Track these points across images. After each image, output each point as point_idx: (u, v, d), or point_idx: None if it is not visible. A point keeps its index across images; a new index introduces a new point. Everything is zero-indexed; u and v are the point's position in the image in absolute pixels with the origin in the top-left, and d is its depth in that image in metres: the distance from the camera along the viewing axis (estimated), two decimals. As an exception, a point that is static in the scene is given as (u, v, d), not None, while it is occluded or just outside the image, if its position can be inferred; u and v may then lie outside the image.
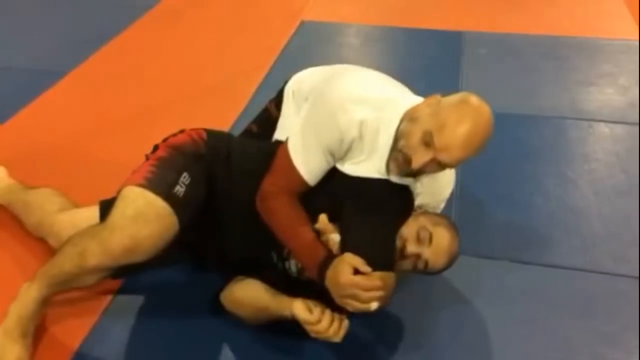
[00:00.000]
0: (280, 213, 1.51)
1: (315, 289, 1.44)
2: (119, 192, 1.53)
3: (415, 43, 3.33)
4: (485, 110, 1.40)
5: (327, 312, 1.37)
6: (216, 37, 3.34)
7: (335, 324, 1.36)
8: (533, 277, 1.82)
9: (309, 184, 1.51)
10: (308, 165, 1.49)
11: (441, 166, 1.41)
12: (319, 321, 1.36)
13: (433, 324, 1.66)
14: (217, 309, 1.61)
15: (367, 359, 1.57)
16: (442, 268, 1.52)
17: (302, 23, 3.49)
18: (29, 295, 1.49)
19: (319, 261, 1.42)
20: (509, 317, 1.68)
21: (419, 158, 1.37)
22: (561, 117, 2.63)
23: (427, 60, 3.07)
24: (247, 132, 1.88)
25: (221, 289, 1.62)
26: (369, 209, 1.49)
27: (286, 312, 1.42)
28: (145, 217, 1.44)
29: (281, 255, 1.58)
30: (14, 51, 3.15)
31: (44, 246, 1.75)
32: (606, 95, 2.79)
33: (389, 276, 1.41)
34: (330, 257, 1.42)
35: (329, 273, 1.39)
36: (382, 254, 1.43)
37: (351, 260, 1.37)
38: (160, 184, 1.49)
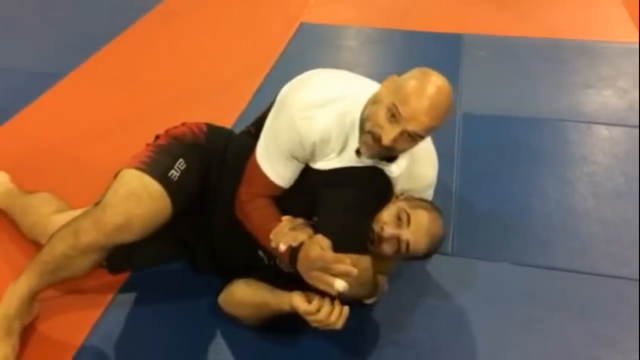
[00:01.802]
0: (254, 215, 1.54)
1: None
2: (116, 174, 1.56)
3: (414, 45, 3.33)
4: (441, 78, 1.42)
5: (326, 300, 1.38)
6: (216, 38, 3.34)
7: (336, 311, 1.37)
8: (532, 279, 1.82)
9: (283, 186, 1.55)
10: (277, 171, 1.53)
11: (412, 138, 1.40)
12: (318, 310, 1.37)
13: (431, 325, 1.66)
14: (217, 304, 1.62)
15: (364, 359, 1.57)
16: (425, 250, 1.51)
17: (302, 25, 3.50)
18: (14, 293, 1.50)
19: (290, 249, 1.43)
20: (508, 319, 1.68)
21: (388, 133, 1.38)
22: (560, 120, 2.63)
23: (426, 62, 2.99)
24: (245, 133, 1.88)
25: (220, 289, 1.62)
26: (340, 194, 1.49)
27: (285, 306, 1.43)
28: (138, 197, 1.48)
29: (268, 253, 1.59)
30: (12, 52, 3.15)
31: (39, 249, 1.75)
32: (605, 97, 2.79)
33: (362, 259, 1.40)
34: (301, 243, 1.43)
35: (300, 254, 1.40)
36: (353, 236, 1.43)
37: (321, 240, 1.37)
38: (156, 168, 1.53)
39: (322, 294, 1.39)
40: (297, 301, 1.39)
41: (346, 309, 1.38)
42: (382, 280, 1.62)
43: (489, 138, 2.48)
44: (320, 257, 1.34)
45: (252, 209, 1.54)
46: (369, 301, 1.60)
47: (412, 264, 1.83)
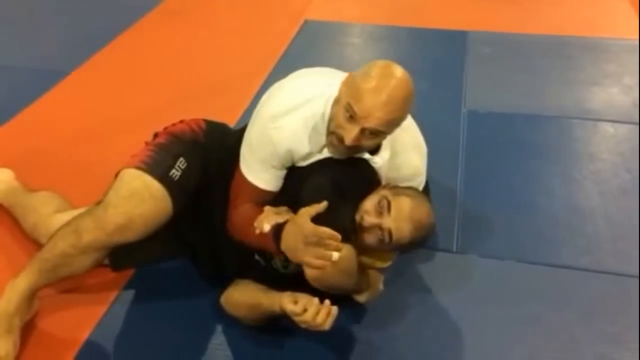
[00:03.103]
0: (240, 214, 1.53)
1: (305, 282, 1.42)
2: (117, 174, 1.57)
3: (419, 42, 3.32)
4: (394, 68, 1.39)
5: (314, 302, 1.36)
6: (219, 36, 3.33)
7: (322, 313, 1.34)
8: (537, 277, 1.81)
9: (273, 190, 1.55)
10: (262, 178, 1.53)
11: (374, 134, 1.39)
12: (304, 311, 1.35)
13: (436, 323, 1.65)
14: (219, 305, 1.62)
15: (368, 359, 1.56)
16: (410, 238, 1.46)
17: (306, 22, 3.49)
18: (14, 290, 1.51)
19: (274, 227, 1.41)
20: (513, 316, 1.67)
21: (348, 133, 1.37)
22: (566, 117, 2.62)
23: (431, 60, 3.06)
24: (245, 130, 1.88)
25: (222, 289, 1.62)
26: (319, 178, 1.47)
27: (276, 307, 1.42)
28: (140, 197, 1.48)
29: (264, 256, 1.59)
30: (15, 51, 3.15)
31: (40, 249, 1.75)
32: (611, 94, 2.78)
33: (345, 247, 1.37)
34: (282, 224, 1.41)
35: (287, 231, 1.38)
36: (334, 217, 1.39)
37: (307, 210, 1.36)
38: (157, 167, 1.53)
39: (312, 294, 1.38)
40: (285, 302, 1.38)
41: (334, 309, 1.35)
42: (378, 279, 1.61)
43: (494, 135, 2.47)
44: (315, 231, 1.32)
45: (238, 215, 1.54)
46: (361, 299, 1.58)
47: (415, 261, 1.82)
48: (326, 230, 1.32)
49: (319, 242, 1.33)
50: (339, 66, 1.73)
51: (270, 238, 1.41)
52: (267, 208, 1.47)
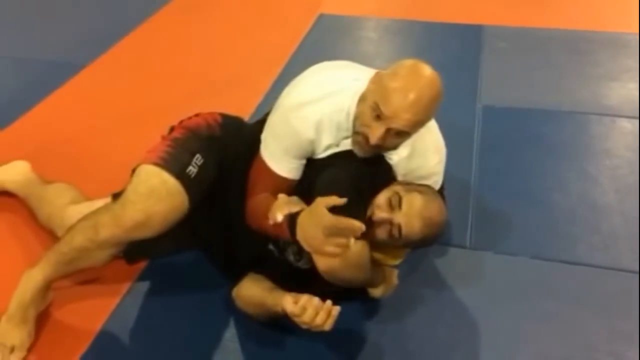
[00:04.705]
0: (256, 203, 1.53)
1: (317, 276, 1.42)
2: (134, 170, 1.57)
3: (434, 37, 3.30)
4: (423, 69, 1.39)
5: (313, 302, 1.33)
6: (234, 29, 3.33)
7: (322, 314, 1.32)
8: (552, 273, 1.79)
9: (295, 179, 1.55)
10: (282, 167, 1.53)
11: (399, 135, 1.40)
12: (304, 311, 1.33)
13: (449, 319, 1.64)
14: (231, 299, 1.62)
15: (377, 357, 1.56)
16: (421, 234, 1.45)
17: (321, 16, 3.48)
18: (30, 280, 1.52)
19: (288, 216, 1.40)
20: (528, 313, 1.66)
21: (374, 132, 1.37)
22: (583, 113, 2.59)
23: (446, 54, 3.03)
24: (261, 122, 1.88)
25: (234, 282, 1.62)
26: (334, 170, 1.47)
27: (279, 307, 1.41)
28: (157, 194, 1.48)
29: (278, 246, 1.59)
30: (32, 44, 3.18)
31: (55, 240, 1.76)
32: (629, 90, 2.74)
33: (357, 242, 1.37)
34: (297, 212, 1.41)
35: (302, 221, 1.37)
36: (347, 210, 1.36)
37: (324, 200, 1.34)
38: (174, 164, 1.53)
39: (325, 289, 1.38)
40: (285, 302, 1.36)
41: (335, 310, 1.33)
42: (393, 273, 1.61)
43: (510, 131, 2.45)
44: (336, 222, 1.31)
45: (255, 207, 1.53)
46: (377, 294, 1.58)
47: (428, 257, 1.82)
48: (348, 221, 1.31)
49: (339, 233, 1.32)
50: (354, 61, 1.71)
51: (285, 228, 1.41)
52: (280, 196, 1.47)
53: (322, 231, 1.33)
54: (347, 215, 1.33)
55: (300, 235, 1.38)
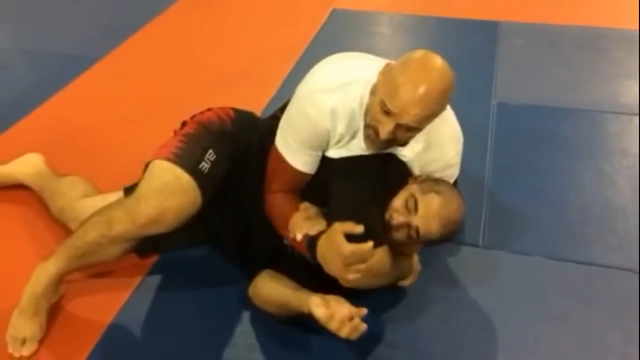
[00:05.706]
0: (276, 207, 1.54)
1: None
2: (146, 165, 1.57)
3: (449, 33, 3.27)
4: (432, 61, 1.34)
5: (344, 310, 1.34)
6: (247, 24, 3.33)
7: (349, 326, 1.33)
8: (567, 274, 1.77)
9: (309, 173, 1.55)
10: (298, 159, 1.53)
11: (409, 129, 1.37)
12: (331, 319, 1.34)
13: (461, 318, 1.63)
14: (246, 296, 1.62)
15: (389, 355, 1.55)
16: (439, 234, 1.46)
17: (334, 11, 3.47)
18: (42, 273, 1.53)
19: (307, 237, 1.42)
20: (541, 314, 1.65)
21: (384, 127, 1.36)
22: (599, 111, 2.56)
23: (461, 50, 3.01)
24: (273, 118, 1.88)
25: (249, 279, 1.62)
26: (351, 186, 1.47)
27: (304, 308, 1.41)
28: (171, 190, 1.49)
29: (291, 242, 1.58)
30: (46, 37, 3.19)
31: (68, 232, 1.77)
32: (646, 88, 2.71)
33: (377, 251, 1.39)
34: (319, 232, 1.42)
35: (322, 247, 1.38)
36: (366, 228, 1.37)
37: (341, 226, 1.34)
38: (187, 160, 1.53)
39: (343, 295, 1.38)
40: (313, 305, 1.37)
41: (363, 326, 1.35)
42: (415, 259, 1.62)
43: (525, 128, 2.43)
44: (354, 253, 1.31)
45: (276, 201, 1.55)
46: (406, 284, 1.60)
47: (441, 255, 1.80)
48: (364, 248, 1.31)
49: (357, 260, 1.33)
50: (349, 52, 1.69)
51: (305, 249, 1.43)
52: (300, 210, 1.47)
53: (341, 260, 1.33)
54: (365, 231, 1.33)
55: (320, 259, 1.40)
